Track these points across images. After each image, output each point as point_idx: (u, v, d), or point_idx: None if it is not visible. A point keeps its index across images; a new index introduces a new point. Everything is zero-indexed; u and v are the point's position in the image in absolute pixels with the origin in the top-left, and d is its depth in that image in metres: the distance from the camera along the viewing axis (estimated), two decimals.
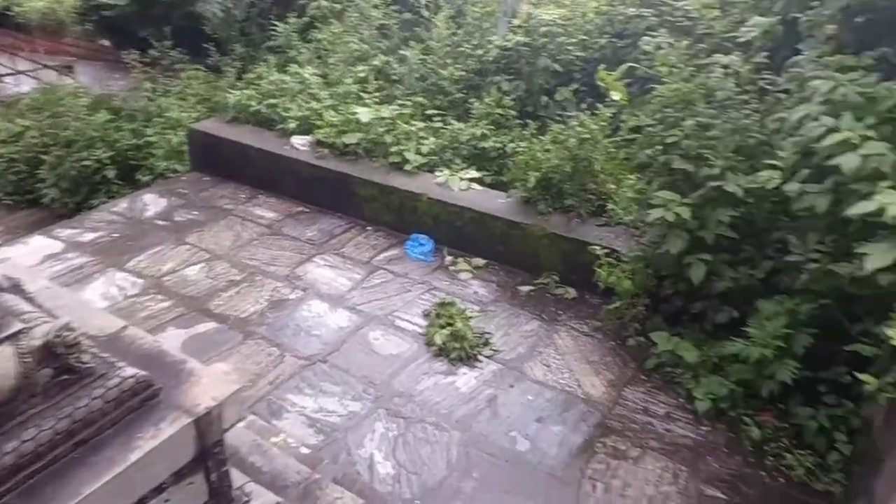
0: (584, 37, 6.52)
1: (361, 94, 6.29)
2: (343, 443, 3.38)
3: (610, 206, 4.70)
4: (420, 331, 4.25)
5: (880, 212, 2.32)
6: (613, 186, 4.87)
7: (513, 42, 6.34)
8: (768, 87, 3.58)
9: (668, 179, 3.74)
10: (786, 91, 3.47)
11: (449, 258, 5.11)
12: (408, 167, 5.51)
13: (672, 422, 3.52)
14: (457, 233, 5.18)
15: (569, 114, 5.12)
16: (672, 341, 3.75)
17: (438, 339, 4.08)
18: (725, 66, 3.71)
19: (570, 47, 6.42)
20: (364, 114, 5.72)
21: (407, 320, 4.37)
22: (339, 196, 5.70)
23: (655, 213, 3.54)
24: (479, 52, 6.72)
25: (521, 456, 3.34)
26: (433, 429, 3.50)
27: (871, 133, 2.61)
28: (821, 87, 2.85)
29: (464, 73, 6.56)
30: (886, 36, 3.09)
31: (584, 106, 5.16)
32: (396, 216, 5.46)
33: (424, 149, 5.67)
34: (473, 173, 5.50)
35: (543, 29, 6.24)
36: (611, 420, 3.55)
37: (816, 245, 2.92)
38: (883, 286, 2.45)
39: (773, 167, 3.13)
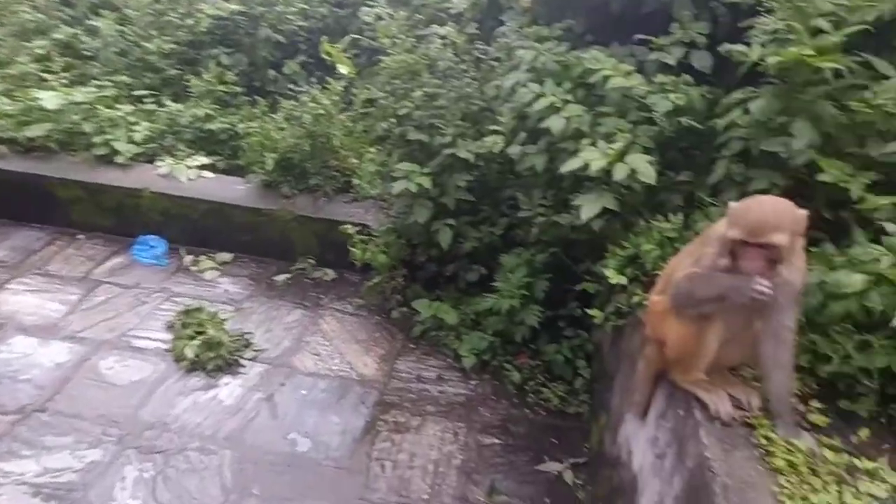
0: (305, 5, 6.23)
1: (44, 75, 5.18)
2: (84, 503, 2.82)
3: (355, 181, 4.64)
4: (166, 347, 3.73)
5: (586, 167, 2.63)
6: (356, 161, 4.81)
7: (227, 11, 5.78)
8: (482, 56, 3.80)
9: (407, 150, 3.79)
10: (497, 59, 3.72)
11: (188, 258, 4.57)
12: (120, 159, 4.73)
13: (444, 383, 3.67)
14: (193, 228, 4.64)
15: (300, 88, 4.87)
16: (433, 306, 3.88)
17: (190, 352, 3.63)
18: (443, 37, 3.83)
19: (290, 16, 6.10)
20: (50, 99, 4.72)
21: (147, 338, 3.80)
22: (33, 202, 4.67)
23: (399, 186, 3.57)
24: (190, 21, 6.00)
25: (304, 456, 3.16)
26: (199, 455, 3.12)
27: (569, 97, 2.93)
28: (525, 56, 3.10)
29: (174, 45, 5.80)
30: (569, 9, 3.49)
31: (314, 80, 4.94)
32: (115, 218, 4.68)
33: (138, 136, 4.92)
34: (203, 159, 4.96)
35: None
36: (388, 395, 3.56)
37: (541, 200, 3.22)
38: (597, 231, 2.81)
39: (496, 132, 3.35)
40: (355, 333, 4.02)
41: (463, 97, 3.71)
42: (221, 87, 5.51)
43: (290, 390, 3.55)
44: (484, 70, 3.86)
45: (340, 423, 3.36)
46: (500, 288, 3.57)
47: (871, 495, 1.65)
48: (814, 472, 1.72)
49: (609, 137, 2.72)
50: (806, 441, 1.82)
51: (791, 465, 1.72)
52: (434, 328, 3.90)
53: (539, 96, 2.97)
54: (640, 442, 2.37)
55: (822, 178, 2.21)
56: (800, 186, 2.36)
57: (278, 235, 4.59)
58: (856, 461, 1.74)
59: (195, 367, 3.60)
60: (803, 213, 1.82)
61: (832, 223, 2.29)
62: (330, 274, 4.53)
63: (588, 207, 2.67)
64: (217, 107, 5.39)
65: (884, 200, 2.06)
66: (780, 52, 2.30)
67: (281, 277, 4.47)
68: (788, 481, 1.68)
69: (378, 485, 3.03)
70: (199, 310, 3.93)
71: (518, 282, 3.51)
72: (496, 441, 3.30)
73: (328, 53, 4.09)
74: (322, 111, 4.40)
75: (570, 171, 2.70)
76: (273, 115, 4.82)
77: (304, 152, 4.54)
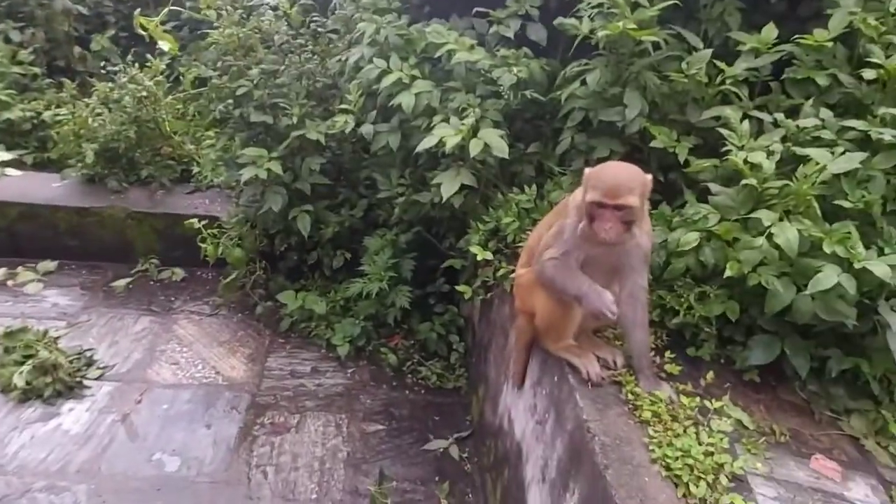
0: None
1: None
2: None
3: (195, 169, 4.26)
4: None
5: (441, 144, 2.61)
6: (192, 147, 4.41)
7: None
8: (320, 29, 3.58)
9: (251, 134, 3.53)
10: (335, 32, 3.55)
11: (1, 271, 3.94)
12: None
13: (320, 375, 3.56)
14: (4, 236, 4.02)
15: (114, 67, 4.30)
16: (299, 297, 3.72)
17: (19, 380, 3.17)
18: (275, 8, 3.56)
19: None
20: None
21: None
22: None
23: (248, 173, 3.32)
24: None
25: (174, 476, 2.91)
26: (47, 495, 2.75)
27: (416, 72, 2.88)
28: (366, 29, 2.98)
29: None
30: None
31: (130, 57, 4.39)
32: None
33: None
34: (4, 155, 4.29)
35: None
36: (262, 396, 3.38)
37: (399, 179, 3.17)
38: (457, 208, 2.82)
39: (346, 111, 3.21)
40: (217, 335, 3.75)
41: (305, 74, 3.50)
42: (16, 69, 4.74)
43: (149, 407, 3.23)
44: (323, 44, 3.66)
45: (211, 434, 3.14)
46: (367, 271, 3.50)
47: (721, 431, 1.86)
48: (675, 419, 1.90)
49: (460, 113, 2.72)
50: (665, 391, 2.00)
51: (656, 415, 1.89)
52: (303, 319, 3.75)
53: (385, 72, 2.88)
54: (520, 410, 2.48)
55: (655, 144, 2.39)
56: (635, 152, 2.54)
57: (112, 236, 4.12)
58: (706, 403, 1.94)
59: (28, 395, 3.16)
60: (649, 177, 1.94)
61: (665, 185, 2.50)
62: (179, 273, 4.17)
63: (447, 185, 2.67)
64: (13, 92, 4.65)
65: (706, 163, 2.27)
66: (607, 26, 2.43)
67: (120, 283, 4.02)
68: (655, 431, 1.84)
69: (262, 492, 2.89)
70: (23, 330, 3.43)
71: (384, 263, 3.46)
72: (380, 427, 3.28)
73: (142, 27, 3.63)
74: (145, 93, 3.93)
75: (426, 149, 2.67)
76: (86, 100, 4.23)
77: (129, 140, 4.07)
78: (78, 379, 3.29)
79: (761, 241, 1.95)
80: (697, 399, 1.99)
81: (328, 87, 3.63)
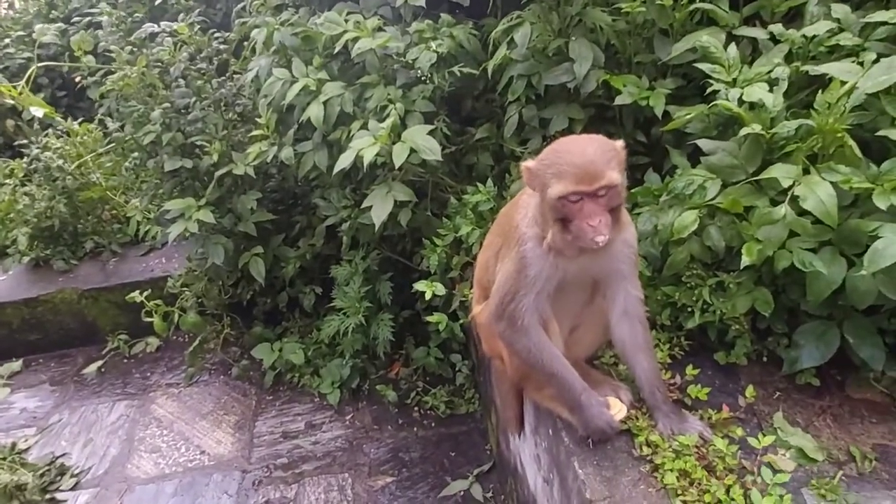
0: (22, 32, 5.11)
1: None
2: None
3: (144, 227, 3.85)
4: None
5: (360, 159, 2.09)
6: (137, 202, 3.99)
7: None
8: (222, 45, 3.06)
9: (175, 183, 3.08)
10: (242, 43, 3.05)
11: None
12: None
13: (316, 429, 3.16)
14: None
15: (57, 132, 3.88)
16: (275, 349, 3.33)
17: None
18: (172, 33, 3.07)
19: (10, 49, 4.99)
20: None
21: None
22: None
23: (175, 229, 2.88)
24: None
25: None
26: None
27: (324, 75, 2.36)
28: (259, 35, 2.47)
29: None
30: None
31: (37, 126, 3.94)
32: None
33: None
34: None
35: None
36: (253, 470, 3.00)
37: (342, 201, 2.68)
38: (404, 226, 2.33)
39: (261, 136, 2.71)
40: (199, 407, 3.37)
41: (219, 101, 3.01)
42: None
43: None
44: (231, 63, 3.17)
45: None
46: (340, 306, 3.05)
47: (779, 484, 1.35)
48: (712, 472, 1.40)
49: (379, 113, 2.21)
50: (692, 429, 1.50)
51: (684, 473, 1.40)
52: (288, 370, 3.35)
53: (290, 82, 2.38)
54: (527, 457, 2.02)
55: (621, 99, 1.83)
56: (602, 114, 2.00)
57: (72, 320, 3.77)
58: (752, 441, 1.44)
59: None
60: (620, 142, 1.41)
61: (650, 146, 1.96)
62: (153, 342, 3.80)
63: (378, 207, 2.18)
64: None
65: (688, 113, 1.70)
66: None
67: (92, 368, 3.68)
68: (686, 500, 1.35)
69: None
70: None
71: (356, 294, 3.00)
72: (389, 480, 2.87)
73: (12, 97, 3.20)
74: (61, 161, 3.52)
75: (348, 168, 2.17)
76: (6, 181, 3.86)
77: (63, 214, 3.67)
78: (49, 496, 2.95)
79: (783, 209, 1.42)
80: (739, 430, 1.49)
81: (253, 109, 3.15)
